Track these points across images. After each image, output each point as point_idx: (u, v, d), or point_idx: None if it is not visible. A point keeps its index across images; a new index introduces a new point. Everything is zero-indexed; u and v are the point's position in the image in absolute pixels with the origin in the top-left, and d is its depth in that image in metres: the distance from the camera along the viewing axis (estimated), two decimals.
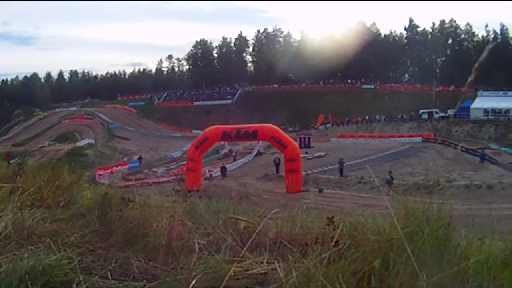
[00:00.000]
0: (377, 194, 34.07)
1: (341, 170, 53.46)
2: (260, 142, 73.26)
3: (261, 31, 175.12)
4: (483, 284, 2.89)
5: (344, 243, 3.32)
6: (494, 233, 3.72)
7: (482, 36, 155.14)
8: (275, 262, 3.27)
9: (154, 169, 69.43)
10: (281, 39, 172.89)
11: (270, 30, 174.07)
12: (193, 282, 3.05)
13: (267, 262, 3.36)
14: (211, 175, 54.24)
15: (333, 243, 3.28)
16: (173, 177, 50.13)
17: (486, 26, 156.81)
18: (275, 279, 3.08)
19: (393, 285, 2.84)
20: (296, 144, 49.64)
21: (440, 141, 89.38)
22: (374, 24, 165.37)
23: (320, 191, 40.21)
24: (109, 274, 3.40)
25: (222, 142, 72.45)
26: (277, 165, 53.58)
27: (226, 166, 60.12)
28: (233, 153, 77.26)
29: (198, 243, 3.80)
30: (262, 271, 3.24)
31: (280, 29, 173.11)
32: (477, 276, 2.96)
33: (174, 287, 3.14)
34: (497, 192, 39.94)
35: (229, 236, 3.79)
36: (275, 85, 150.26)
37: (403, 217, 3.35)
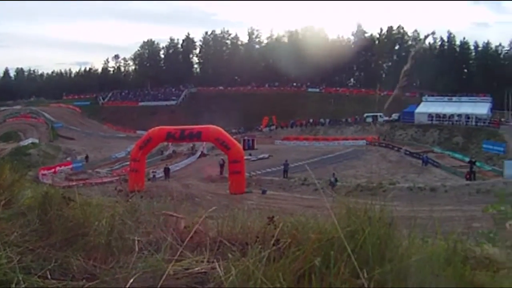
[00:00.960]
0: (320, 196, 34.29)
1: (285, 172, 53.82)
2: (204, 143, 73.35)
3: (209, 33, 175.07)
4: (425, 281, 2.91)
5: (284, 242, 3.32)
6: (437, 233, 3.71)
7: (429, 43, 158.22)
8: (215, 261, 3.30)
9: (98, 170, 68.88)
10: (228, 42, 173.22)
11: (218, 32, 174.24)
12: (131, 280, 3.05)
13: (207, 261, 3.38)
14: (154, 175, 54.17)
15: (273, 242, 3.31)
16: (117, 178, 49.96)
17: (433, 33, 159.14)
18: (215, 278, 3.10)
19: (334, 283, 2.85)
20: (240, 146, 49.76)
21: (384, 145, 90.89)
22: (322, 28, 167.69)
23: (263, 192, 40.40)
24: (48, 274, 3.35)
25: (166, 143, 72.24)
26: (221, 166, 53.68)
27: (170, 167, 60.09)
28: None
29: (138, 242, 3.78)
30: (202, 270, 3.26)
31: (228, 31, 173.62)
32: (419, 274, 2.98)
33: (112, 286, 3.13)
34: (440, 194, 40.51)
35: (169, 235, 3.78)
36: (221, 87, 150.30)
37: (344, 217, 3.36)
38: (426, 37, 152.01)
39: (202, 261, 3.40)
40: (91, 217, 4.17)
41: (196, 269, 3.28)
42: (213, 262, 3.33)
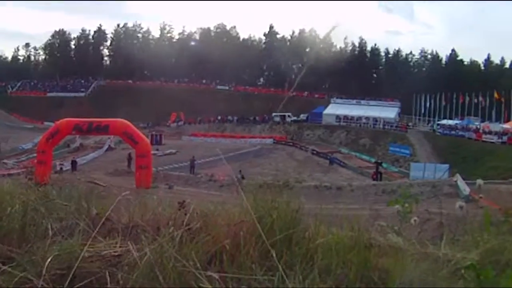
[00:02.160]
0: (227, 192, 34.50)
1: (192, 168, 53.85)
2: (112, 137, 72.44)
3: (121, 25, 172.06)
4: (332, 264, 3.05)
5: (195, 227, 3.46)
6: (342, 226, 3.81)
7: (340, 47, 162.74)
8: (129, 243, 3.32)
9: (4, 161, 66.97)
10: (139, 35, 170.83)
11: (130, 25, 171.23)
12: (48, 262, 3.05)
13: (119, 246, 3.38)
14: (61, 168, 53.15)
15: (184, 226, 3.40)
16: (23, 170, 48.68)
17: (345, 38, 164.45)
18: (129, 259, 3.13)
19: (245, 263, 2.98)
20: (148, 140, 49.39)
21: (291, 144, 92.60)
22: (234, 27, 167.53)
23: (170, 187, 40.28)
24: None
25: (73, 136, 70.98)
26: (129, 160, 53.20)
27: (77, 159, 59.16)
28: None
29: (51, 227, 3.74)
30: (116, 253, 3.28)
31: (140, 25, 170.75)
32: (325, 256, 3.13)
33: (29, 268, 3.12)
34: (346, 193, 41.13)
35: (82, 221, 3.76)
36: (130, 81, 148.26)
37: (252, 204, 3.47)
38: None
39: (115, 245, 3.38)
40: (4, 203, 4.13)
41: (110, 251, 3.29)
42: (126, 245, 3.33)
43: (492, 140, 78.04)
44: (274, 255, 2.98)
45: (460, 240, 3.96)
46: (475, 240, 3.63)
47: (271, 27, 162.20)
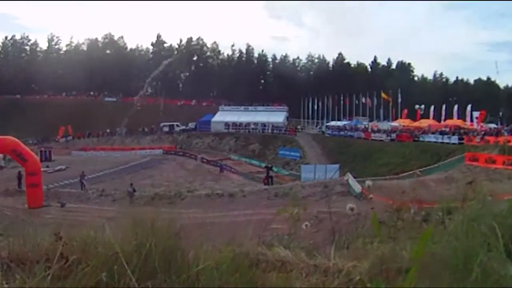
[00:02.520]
0: (119, 206, 34.20)
1: (82, 184, 52.98)
2: (1, 155, 70.34)
3: (9, 37, 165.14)
4: (214, 287, 3.02)
5: (73, 259, 3.27)
6: (232, 239, 3.84)
7: (228, 55, 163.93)
8: (5, 283, 3.16)
9: None
10: (27, 48, 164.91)
11: (18, 37, 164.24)
12: None
13: None
14: None
15: (62, 259, 3.25)
16: None
17: (233, 45, 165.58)
18: None
19: None
20: (37, 157, 48.29)
21: (181, 153, 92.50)
22: (122, 37, 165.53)
23: (62, 205, 39.45)
24: None
25: None
26: (19, 179, 51.86)
27: None
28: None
29: None
30: None
31: (27, 37, 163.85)
32: (208, 281, 3.09)
33: None
34: (239, 199, 40.73)
35: None
36: (18, 96, 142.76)
37: (131, 229, 3.39)
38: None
39: None
40: None
41: None
42: (2, 284, 3.13)
43: (381, 138, 79.72)
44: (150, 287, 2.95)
45: (351, 248, 4.01)
46: (366, 247, 3.69)
47: (158, 36, 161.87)
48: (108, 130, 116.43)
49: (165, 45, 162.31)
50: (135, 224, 3.43)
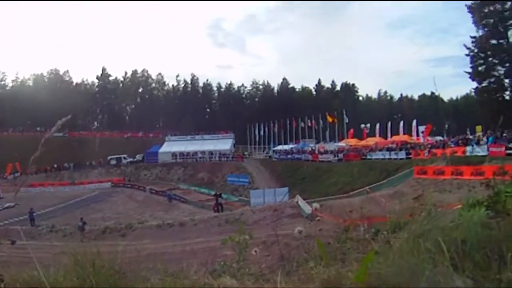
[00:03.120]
0: (70, 241, 34.22)
1: (32, 220, 52.76)
2: None
3: None
4: None
5: None
6: (181, 271, 3.82)
7: (173, 85, 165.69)
8: None
9: None
10: None
11: None
12: None
13: None
14: None
15: None
16: None
17: (178, 76, 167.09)
18: None
19: None
20: None
21: (129, 185, 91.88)
22: (67, 71, 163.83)
23: (13, 243, 39.51)
24: None
25: None
26: None
27: None
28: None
29: None
30: None
31: None
32: None
33: None
34: (190, 228, 40.99)
35: None
36: None
37: (73, 267, 3.40)
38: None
39: None
40: None
41: None
42: None
43: (329, 159, 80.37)
44: None
45: (298, 272, 3.95)
46: (313, 270, 3.64)
47: (103, 69, 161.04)
48: (55, 165, 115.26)
49: (111, 78, 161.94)
50: (76, 262, 3.45)
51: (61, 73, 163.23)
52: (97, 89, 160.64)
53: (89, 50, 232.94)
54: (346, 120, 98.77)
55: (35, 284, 3.35)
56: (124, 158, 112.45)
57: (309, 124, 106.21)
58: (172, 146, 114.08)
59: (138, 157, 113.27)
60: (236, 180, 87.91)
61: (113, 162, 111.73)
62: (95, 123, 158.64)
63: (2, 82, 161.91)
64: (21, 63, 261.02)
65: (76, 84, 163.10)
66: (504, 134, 50.68)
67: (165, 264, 3.93)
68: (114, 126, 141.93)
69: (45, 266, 3.62)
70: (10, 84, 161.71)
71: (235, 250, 5.28)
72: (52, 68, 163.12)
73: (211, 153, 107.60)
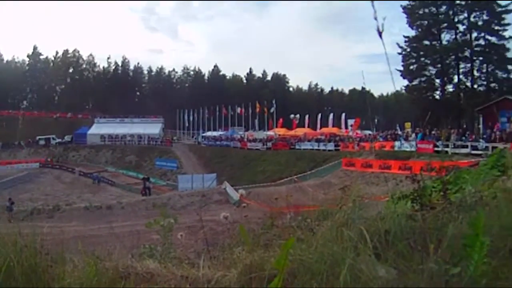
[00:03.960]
0: None
1: None
2: None
3: None
4: None
5: None
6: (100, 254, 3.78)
7: (103, 67, 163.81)
8: None
9: None
10: None
11: None
12: None
13: None
14: None
15: None
16: None
17: (109, 57, 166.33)
18: None
19: None
20: None
21: (57, 166, 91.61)
22: None
23: None
24: None
25: None
26: None
27: None
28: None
29: None
30: None
31: None
32: None
33: None
34: (117, 211, 41.34)
35: None
36: None
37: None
38: None
39: None
40: None
41: None
42: None
43: (257, 147, 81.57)
44: None
45: (222, 257, 3.96)
46: (236, 256, 3.63)
47: (35, 48, 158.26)
48: None
49: (41, 57, 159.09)
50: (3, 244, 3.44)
51: None
52: (27, 67, 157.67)
53: (21, 27, 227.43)
54: (275, 110, 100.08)
55: None
56: (53, 138, 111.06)
57: (239, 112, 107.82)
58: (101, 128, 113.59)
59: (67, 138, 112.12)
60: (165, 165, 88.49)
61: (42, 142, 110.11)
62: (25, 102, 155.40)
63: None
64: None
65: (7, 61, 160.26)
66: (433, 132, 52.92)
67: (91, 247, 4.11)
68: (44, 106, 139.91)
69: None
70: None
71: (160, 234, 5.39)
72: None
73: (140, 136, 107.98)
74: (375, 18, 3.60)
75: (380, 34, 3.64)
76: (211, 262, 3.87)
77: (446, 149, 47.49)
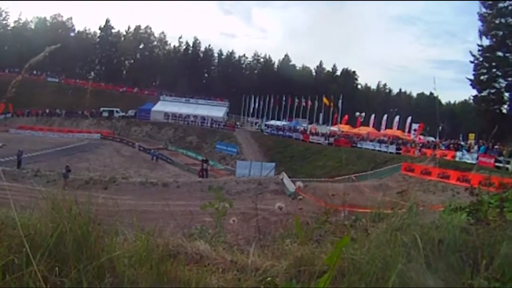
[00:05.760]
0: (53, 187, 34.03)
1: (19, 163, 52.70)
2: None
3: None
4: (123, 277, 3.00)
5: None
6: (151, 230, 3.62)
7: (174, 46, 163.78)
8: None
9: None
10: None
11: None
12: None
13: None
14: None
15: None
16: None
17: (180, 37, 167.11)
18: None
19: (34, 278, 2.80)
20: None
21: (118, 139, 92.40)
22: (70, 18, 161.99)
23: None
24: None
25: None
26: None
27: None
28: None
29: None
30: None
31: None
32: (117, 270, 3.07)
33: None
34: (173, 189, 41.56)
35: None
36: None
37: (50, 212, 3.33)
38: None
39: None
40: None
41: None
42: None
43: (319, 141, 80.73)
44: (61, 272, 2.96)
45: (273, 247, 3.96)
46: (287, 247, 3.68)
47: (107, 21, 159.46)
48: (47, 111, 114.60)
49: (113, 30, 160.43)
50: (53, 207, 3.38)
51: (64, 19, 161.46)
52: (98, 40, 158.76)
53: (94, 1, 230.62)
54: (341, 106, 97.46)
55: (10, 223, 3.33)
56: (117, 111, 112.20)
57: (304, 104, 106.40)
58: (166, 106, 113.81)
59: (131, 112, 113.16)
60: (225, 149, 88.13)
61: (105, 114, 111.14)
62: (92, 73, 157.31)
63: (4, 22, 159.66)
64: (26, 4, 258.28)
65: (78, 32, 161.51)
66: (496, 146, 51.09)
67: (144, 222, 3.96)
68: (111, 79, 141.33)
69: (23, 208, 3.67)
70: (12, 25, 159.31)
71: (213, 217, 5.35)
72: (56, 13, 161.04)
73: (203, 118, 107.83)
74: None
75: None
76: (261, 251, 3.86)
77: (507, 165, 46.86)
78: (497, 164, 46.99)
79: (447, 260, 3.17)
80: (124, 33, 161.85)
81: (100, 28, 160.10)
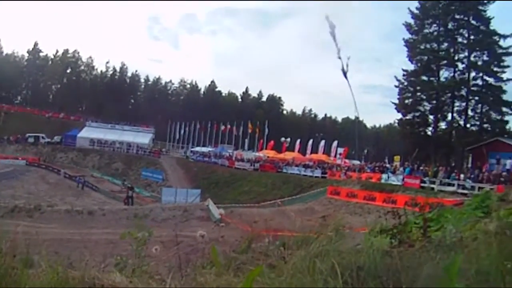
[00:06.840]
0: None
1: None
2: None
3: None
4: None
5: None
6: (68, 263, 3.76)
7: (101, 71, 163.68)
8: None
9: None
10: None
11: None
12: None
13: None
14: None
15: None
16: None
17: (108, 62, 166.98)
18: None
19: None
20: None
21: (44, 166, 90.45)
22: None
23: None
24: None
25: None
26: None
27: None
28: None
29: None
30: None
31: None
32: None
33: None
34: (98, 218, 41.27)
35: None
36: None
37: None
38: None
39: None
40: None
41: None
42: None
43: (244, 167, 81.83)
44: None
45: (191, 276, 3.90)
46: (201, 278, 3.54)
47: (35, 44, 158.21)
48: None
49: (41, 54, 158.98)
50: None
51: None
52: (26, 63, 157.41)
53: (24, 23, 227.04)
54: (267, 131, 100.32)
55: None
56: (43, 137, 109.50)
57: (230, 130, 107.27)
58: (91, 132, 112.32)
59: (57, 138, 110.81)
60: (150, 176, 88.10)
61: (31, 140, 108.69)
62: (19, 97, 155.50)
63: None
64: None
65: (6, 55, 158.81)
66: (421, 168, 53.42)
67: (67, 250, 4.18)
68: (37, 103, 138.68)
69: None
70: None
71: (133, 246, 5.30)
72: None
73: (129, 144, 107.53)
74: (339, 57, 3.44)
75: (345, 74, 3.50)
76: (178, 281, 3.74)
77: (432, 185, 47.98)
78: (422, 184, 48.66)
79: (367, 285, 3.08)
80: (52, 56, 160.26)
81: (28, 51, 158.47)
